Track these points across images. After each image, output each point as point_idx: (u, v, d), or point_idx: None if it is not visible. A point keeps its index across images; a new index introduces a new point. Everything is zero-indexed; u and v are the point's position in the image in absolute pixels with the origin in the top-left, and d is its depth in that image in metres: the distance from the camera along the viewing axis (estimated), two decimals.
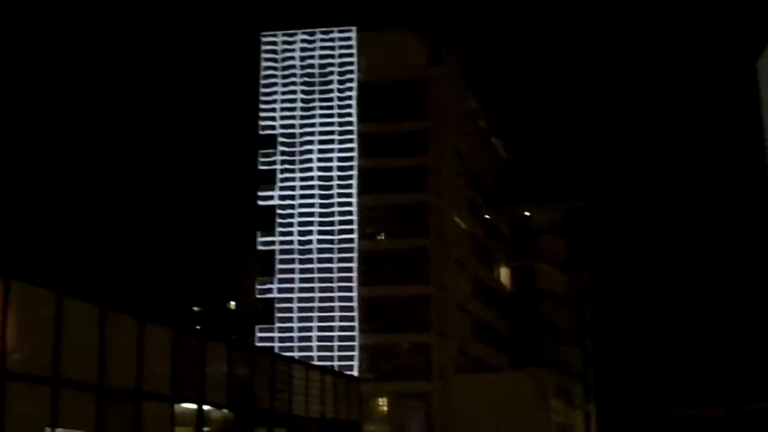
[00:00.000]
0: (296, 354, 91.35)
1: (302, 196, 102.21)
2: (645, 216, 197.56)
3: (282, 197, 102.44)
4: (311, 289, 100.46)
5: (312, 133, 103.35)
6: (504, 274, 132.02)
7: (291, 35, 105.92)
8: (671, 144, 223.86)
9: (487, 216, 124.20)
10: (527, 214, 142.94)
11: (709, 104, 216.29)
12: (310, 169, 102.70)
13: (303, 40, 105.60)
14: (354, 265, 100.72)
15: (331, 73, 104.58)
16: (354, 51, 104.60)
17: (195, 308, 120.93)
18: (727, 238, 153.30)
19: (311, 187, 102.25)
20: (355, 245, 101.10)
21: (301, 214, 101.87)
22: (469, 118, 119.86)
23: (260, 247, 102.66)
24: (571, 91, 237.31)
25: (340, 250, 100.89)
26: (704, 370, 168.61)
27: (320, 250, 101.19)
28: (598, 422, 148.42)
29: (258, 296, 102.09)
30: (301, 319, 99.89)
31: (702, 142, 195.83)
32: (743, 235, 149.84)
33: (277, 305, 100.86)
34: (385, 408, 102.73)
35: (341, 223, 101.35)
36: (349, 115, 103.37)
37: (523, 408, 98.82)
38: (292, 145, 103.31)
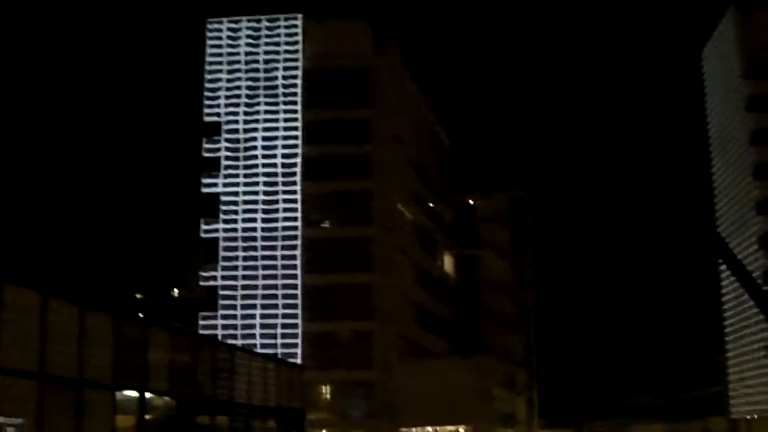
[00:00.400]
0: (239, 342, 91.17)
1: (246, 184, 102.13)
2: (588, 205, 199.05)
3: (226, 185, 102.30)
4: (255, 277, 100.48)
5: (257, 121, 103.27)
6: (447, 262, 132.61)
7: (236, 22, 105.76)
8: (616, 133, 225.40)
9: (430, 204, 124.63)
10: (471, 202, 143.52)
11: (655, 93, 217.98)
12: (254, 157, 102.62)
13: (249, 28, 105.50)
14: (298, 252, 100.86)
15: (277, 60, 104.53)
16: (299, 39, 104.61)
17: (137, 296, 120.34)
18: (670, 226, 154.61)
19: (255, 174, 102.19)
20: (299, 233, 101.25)
21: (245, 202, 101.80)
22: (413, 107, 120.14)
23: (204, 235, 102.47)
24: (515, 80, 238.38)
25: (284, 238, 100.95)
26: (645, 358, 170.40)
27: (264, 238, 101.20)
28: (541, 409, 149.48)
29: (201, 284, 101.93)
30: (244, 307, 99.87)
31: (647, 131, 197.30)
32: (686, 223, 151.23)
33: (221, 293, 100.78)
34: (329, 395, 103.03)
35: (285, 210, 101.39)
36: (294, 102, 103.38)
37: (466, 395, 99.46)
38: (237, 132, 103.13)
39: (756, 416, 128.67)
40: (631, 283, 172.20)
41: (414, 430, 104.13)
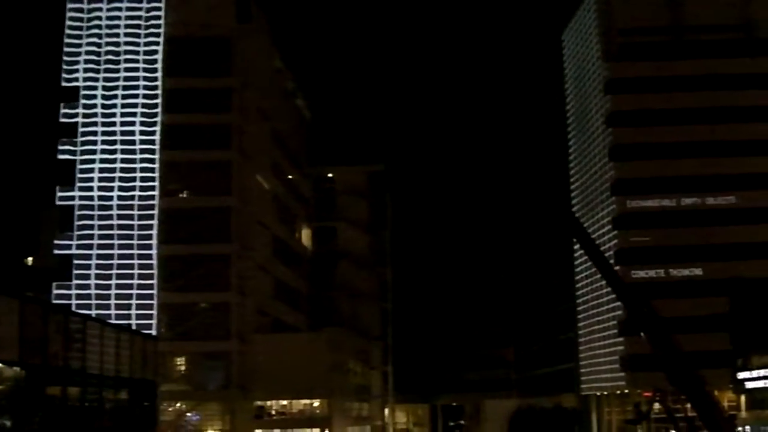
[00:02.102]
0: (94, 312, 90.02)
1: (104, 151, 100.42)
2: (447, 181, 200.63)
3: (83, 152, 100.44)
4: (110, 246, 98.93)
5: (116, 87, 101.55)
6: (305, 234, 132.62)
7: None
8: (476, 111, 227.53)
9: (290, 176, 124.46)
10: (330, 175, 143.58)
11: (515, 73, 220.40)
12: (113, 124, 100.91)
13: None
14: (155, 222, 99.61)
15: (138, 26, 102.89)
16: (162, 5, 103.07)
17: None
18: (526, 205, 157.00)
19: (113, 142, 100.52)
20: (156, 202, 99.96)
21: (102, 170, 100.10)
22: (275, 78, 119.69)
23: (59, 203, 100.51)
24: (377, 55, 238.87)
25: (141, 207, 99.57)
26: (499, 334, 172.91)
27: (121, 207, 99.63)
28: (396, 384, 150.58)
29: (56, 252, 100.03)
30: (99, 277, 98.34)
31: (506, 110, 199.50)
32: (542, 202, 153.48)
33: (75, 262, 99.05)
34: (184, 367, 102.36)
35: (143, 179, 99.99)
36: (155, 70, 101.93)
37: (321, 368, 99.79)
38: (95, 98, 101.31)
39: (605, 393, 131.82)
40: (488, 259, 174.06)
41: (269, 403, 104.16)
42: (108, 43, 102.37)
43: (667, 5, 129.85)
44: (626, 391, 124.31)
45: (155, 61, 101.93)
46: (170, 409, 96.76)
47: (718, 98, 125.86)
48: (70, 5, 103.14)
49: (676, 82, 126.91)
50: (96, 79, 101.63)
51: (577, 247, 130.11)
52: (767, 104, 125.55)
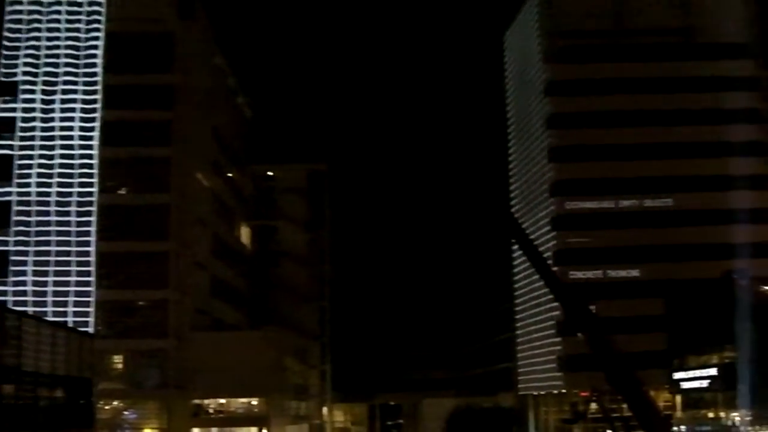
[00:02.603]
0: (30, 309, 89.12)
1: (42, 147, 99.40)
2: (387, 181, 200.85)
3: (21, 147, 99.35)
4: (48, 243, 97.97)
5: (55, 83, 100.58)
6: (245, 233, 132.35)
7: None
8: (417, 111, 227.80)
9: (230, 174, 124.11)
10: (270, 173, 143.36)
11: (457, 73, 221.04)
12: (51, 119, 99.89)
13: None
14: (93, 219, 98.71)
15: (79, 21, 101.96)
16: (103, 0, 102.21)
17: None
18: (466, 206, 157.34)
19: (52, 137, 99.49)
20: (95, 199, 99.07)
21: (41, 165, 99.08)
22: (217, 75, 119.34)
23: None
24: (318, 54, 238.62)
25: (80, 204, 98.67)
26: (439, 334, 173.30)
27: (59, 203, 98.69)
28: (334, 383, 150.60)
29: None
30: (36, 273, 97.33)
31: (448, 111, 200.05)
32: (482, 202, 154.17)
33: (12, 258, 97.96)
34: (121, 365, 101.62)
35: (81, 176, 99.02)
36: (95, 65, 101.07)
37: (260, 367, 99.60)
38: (34, 93, 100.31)
39: (543, 393, 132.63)
40: (427, 259, 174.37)
41: (207, 401, 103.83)
42: (48, 38, 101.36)
43: (609, 8, 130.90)
44: (564, 391, 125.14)
45: (95, 56, 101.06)
46: (107, 407, 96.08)
47: (658, 101, 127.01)
48: None
49: (617, 85, 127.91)
50: (35, 74, 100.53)
51: (516, 247, 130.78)
52: (706, 107, 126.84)
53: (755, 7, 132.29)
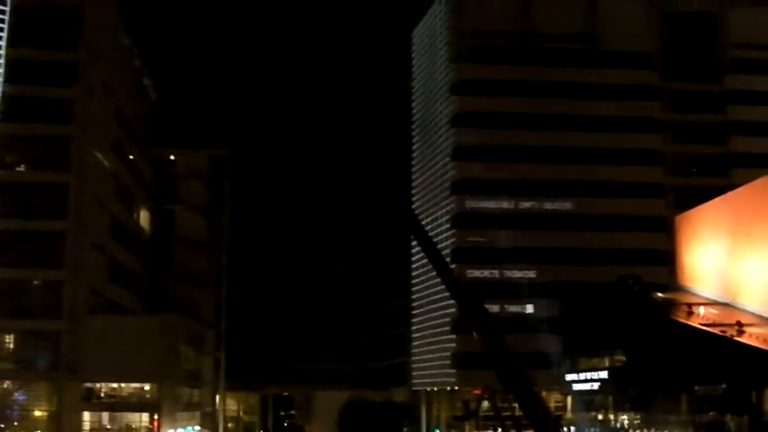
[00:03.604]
0: None
1: None
2: (289, 171, 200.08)
3: None
4: None
5: None
6: (144, 217, 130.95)
7: None
8: (322, 103, 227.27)
9: (131, 156, 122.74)
10: (172, 157, 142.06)
11: (363, 68, 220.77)
12: None
13: None
14: None
15: None
16: None
17: None
18: (367, 200, 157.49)
19: None
20: None
21: None
22: (123, 56, 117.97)
23: None
24: (225, 41, 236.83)
25: None
26: (333, 325, 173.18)
27: None
28: (227, 371, 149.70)
29: None
30: None
31: (352, 105, 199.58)
32: (382, 198, 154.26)
33: None
34: (12, 345, 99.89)
35: None
36: (0, 38, 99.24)
37: (153, 352, 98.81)
38: None
39: (436, 389, 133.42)
40: (326, 250, 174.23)
41: (98, 385, 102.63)
42: None
43: (517, 11, 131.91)
44: (456, 387, 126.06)
45: (2, 30, 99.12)
46: None
47: (561, 105, 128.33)
48: None
49: (522, 87, 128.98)
50: None
51: (414, 243, 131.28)
52: (608, 114, 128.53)
53: (659, 18, 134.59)
